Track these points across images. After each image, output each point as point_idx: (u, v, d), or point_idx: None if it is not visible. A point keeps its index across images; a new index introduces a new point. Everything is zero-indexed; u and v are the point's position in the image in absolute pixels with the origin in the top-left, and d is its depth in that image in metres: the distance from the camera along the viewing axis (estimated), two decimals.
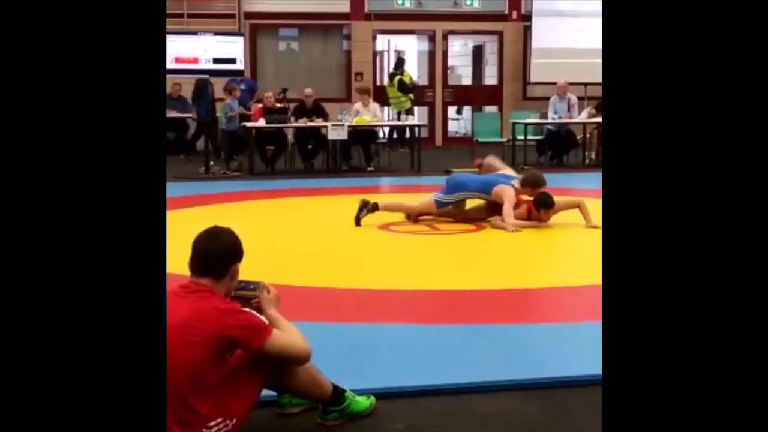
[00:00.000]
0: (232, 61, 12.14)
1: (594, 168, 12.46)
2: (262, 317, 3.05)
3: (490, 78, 18.17)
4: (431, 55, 17.52)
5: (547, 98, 13.64)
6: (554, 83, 13.60)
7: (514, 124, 13.33)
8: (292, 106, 13.34)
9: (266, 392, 3.17)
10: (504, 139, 13.85)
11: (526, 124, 13.08)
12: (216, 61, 12.05)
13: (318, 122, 12.47)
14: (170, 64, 11.66)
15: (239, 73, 12.78)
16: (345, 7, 16.65)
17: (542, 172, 8.35)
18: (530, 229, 7.53)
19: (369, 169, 12.72)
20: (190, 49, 11.83)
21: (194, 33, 12.35)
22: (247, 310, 3.03)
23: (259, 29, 16.66)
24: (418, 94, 16.39)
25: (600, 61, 9.22)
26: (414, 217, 8.03)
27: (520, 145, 13.04)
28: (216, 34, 12.57)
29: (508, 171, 8.31)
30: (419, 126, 13.59)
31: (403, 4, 16.83)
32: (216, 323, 2.87)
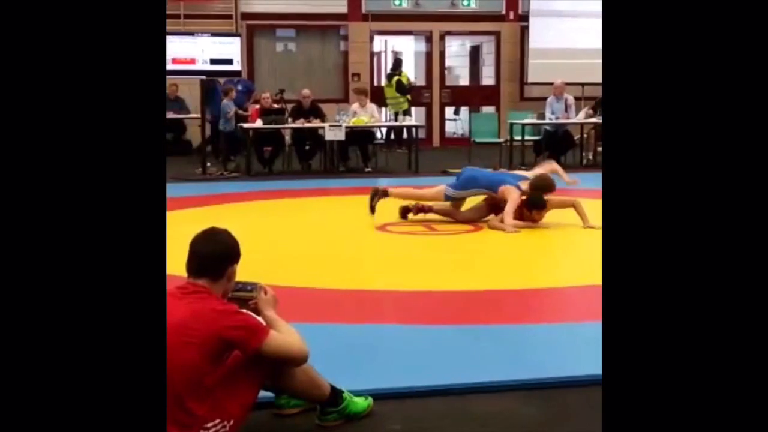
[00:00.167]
0: (229, 62, 12.11)
1: (591, 168, 12.47)
2: (260, 318, 3.04)
3: (488, 78, 18.18)
4: (428, 55, 17.53)
5: (545, 98, 13.64)
6: (551, 83, 13.60)
7: (511, 124, 13.33)
8: (289, 107, 13.34)
9: (264, 393, 3.16)
10: (501, 140, 13.86)
11: (523, 125, 13.08)
12: (213, 62, 12.02)
13: (315, 123, 12.47)
14: (167, 65, 11.65)
15: (236, 73, 12.76)
16: (342, 8, 16.65)
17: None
18: (528, 230, 7.53)
19: (366, 169, 12.72)
20: (187, 50, 11.80)
21: (191, 34, 12.32)
22: (245, 311, 3.02)
23: (256, 30, 16.66)
24: (416, 95, 16.40)
25: (597, 61, 9.27)
26: (416, 208, 8.04)
27: (517, 146, 13.03)
28: (213, 35, 12.54)
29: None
30: (417, 126, 13.59)
31: (400, 4, 16.83)
32: (213, 324, 2.86)
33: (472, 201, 8.17)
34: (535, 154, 13.49)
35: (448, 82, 17.92)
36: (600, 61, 9.47)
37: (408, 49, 18.54)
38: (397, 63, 16.10)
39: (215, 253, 3.01)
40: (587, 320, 4.57)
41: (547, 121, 13.17)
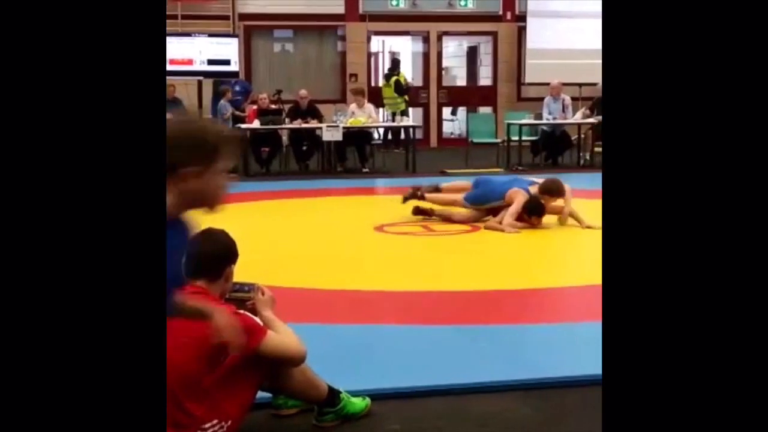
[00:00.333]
0: (227, 62, 12.14)
1: (588, 169, 12.49)
2: (257, 319, 3.04)
3: (485, 79, 18.20)
4: (426, 56, 17.55)
5: (542, 99, 13.66)
6: (548, 84, 13.62)
7: (508, 124, 13.34)
8: (286, 107, 13.35)
9: (261, 394, 3.16)
10: (499, 140, 13.87)
11: (520, 125, 13.09)
12: (210, 62, 12.06)
13: (313, 123, 12.48)
14: None
15: (234, 74, 12.78)
16: (339, 8, 16.66)
17: (538, 173, 8.35)
18: (526, 230, 7.53)
19: (364, 170, 12.73)
20: (185, 51, 11.84)
21: (188, 35, 12.34)
22: (242, 311, 3.02)
23: (253, 30, 16.66)
24: (413, 95, 16.41)
25: (594, 61, 9.29)
26: (416, 209, 8.18)
27: (514, 146, 13.05)
28: (210, 35, 12.57)
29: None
30: (414, 127, 13.60)
31: (397, 5, 16.85)
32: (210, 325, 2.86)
33: None
34: (533, 154, 13.50)
35: (445, 83, 17.94)
36: (597, 61, 9.58)
37: (405, 49, 18.56)
38: (395, 63, 16.13)
39: (212, 253, 3.01)
40: (585, 320, 4.57)
41: (544, 121, 13.18)
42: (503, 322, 4.76)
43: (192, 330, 2.82)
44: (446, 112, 18.22)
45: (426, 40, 17.42)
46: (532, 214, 7.60)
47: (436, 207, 8.18)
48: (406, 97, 15.58)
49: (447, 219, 8.04)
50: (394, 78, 15.28)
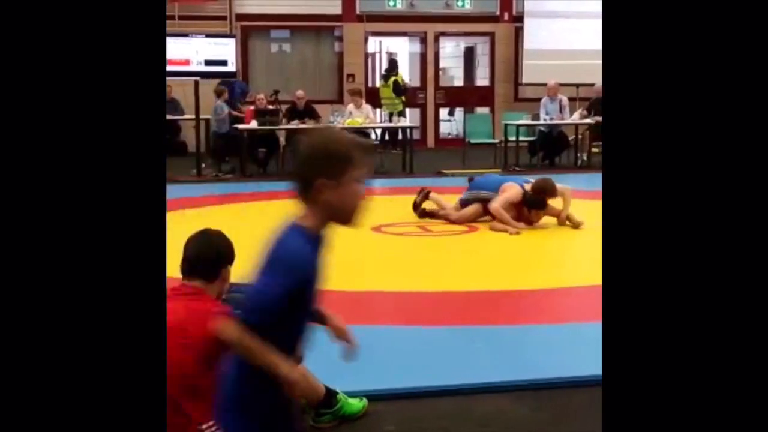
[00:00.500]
0: (224, 63, 12.11)
1: (586, 169, 12.49)
2: None
3: (482, 79, 18.20)
4: (423, 56, 17.55)
5: (539, 99, 13.66)
6: (546, 84, 13.62)
7: (506, 125, 13.34)
8: (283, 107, 13.34)
9: None
10: (496, 141, 13.87)
11: (517, 126, 13.09)
12: (207, 63, 12.02)
13: (310, 124, 12.48)
14: None
15: (231, 75, 12.75)
16: (336, 9, 16.65)
17: (535, 174, 8.37)
18: (524, 231, 7.53)
19: None
20: (182, 51, 11.79)
21: (186, 35, 12.31)
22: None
23: (250, 31, 16.66)
24: (410, 96, 16.41)
25: (591, 62, 9.28)
26: (420, 210, 8.28)
27: (512, 147, 13.05)
28: (207, 36, 12.54)
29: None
30: (411, 127, 13.60)
31: (394, 5, 16.85)
32: (208, 326, 2.85)
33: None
34: (530, 154, 13.50)
35: (442, 83, 17.94)
36: (594, 61, 9.59)
37: (402, 50, 18.55)
38: (394, 64, 16.10)
39: (209, 254, 3.01)
40: (585, 321, 4.58)
41: (541, 122, 13.19)
42: (501, 322, 4.76)
43: (189, 331, 2.82)
44: (443, 112, 18.22)
45: (423, 40, 17.42)
46: (532, 207, 7.60)
47: (438, 208, 8.23)
48: (403, 98, 15.58)
49: (445, 219, 8.06)
50: (392, 78, 15.26)
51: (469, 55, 18.85)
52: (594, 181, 10.95)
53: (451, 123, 18.56)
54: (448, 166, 12.97)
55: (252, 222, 8.22)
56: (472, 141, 14.04)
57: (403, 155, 12.93)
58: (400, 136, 14.63)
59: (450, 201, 8.35)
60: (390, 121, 14.41)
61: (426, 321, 4.77)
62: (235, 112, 13.18)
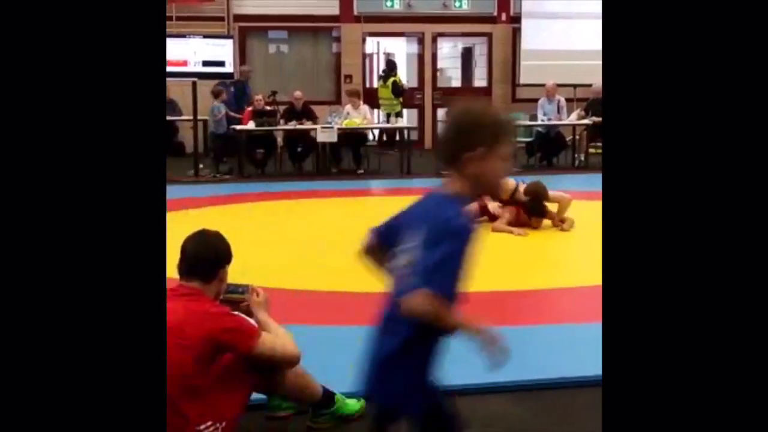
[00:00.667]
0: (221, 63, 12.11)
1: (583, 170, 12.50)
2: (252, 320, 3.04)
3: (480, 80, 18.20)
4: (420, 57, 17.55)
5: (537, 100, 13.67)
6: (543, 85, 13.63)
7: None
8: (281, 108, 13.34)
9: (256, 395, 3.16)
10: None
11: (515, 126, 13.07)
12: (205, 63, 12.02)
13: (307, 125, 12.48)
14: None
15: (228, 75, 12.75)
16: (334, 10, 16.66)
17: (532, 174, 8.37)
18: (521, 233, 7.55)
19: (359, 171, 12.73)
20: (179, 52, 11.79)
21: (183, 36, 12.30)
22: (237, 313, 3.02)
23: (248, 32, 16.66)
24: (408, 97, 16.40)
25: (589, 62, 9.27)
26: None
27: None
28: (205, 36, 12.54)
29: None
30: (409, 128, 13.60)
31: (392, 6, 16.85)
32: (206, 326, 2.86)
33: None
34: (527, 155, 13.51)
35: (440, 84, 17.94)
36: (592, 62, 9.58)
37: (400, 50, 18.55)
38: (392, 64, 16.08)
39: (207, 255, 3.01)
40: (586, 321, 4.58)
41: (539, 122, 13.20)
42: (500, 323, 4.76)
43: (187, 331, 2.82)
44: (441, 113, 18.21)
45: (421, 41, 17.42)
46: (533, 214, 7.63)
47: None
48: (401, 99, 15.58)
49: None
50: (391, 79, 15.23)
51: (467, 55, 18.85)
52: (592, 181, 10.96)
53: None
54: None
55: (250, 223, 8.24)
56: None
57: (400, 156, 12.93)
58: (397, 137, 14.62)
59: None
60: (387, 121, 14.41)
61: None
62: (232, 113, 13.17)
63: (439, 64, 18.04)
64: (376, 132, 14.22)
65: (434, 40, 17.42)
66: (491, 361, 2.29)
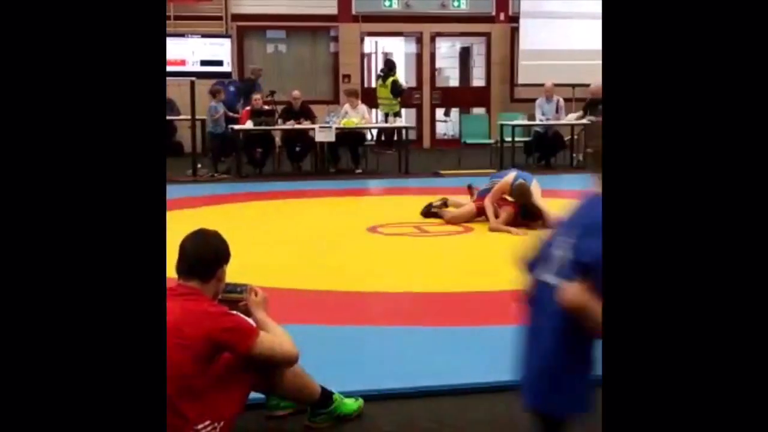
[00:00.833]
0: (220, 63, 12.11)
1: (581, 169, 12.50)
2: (250, 320, 3.04)
3: (478, 80, 18.21)
4: (419, 57, 17.55)
5: (535, 100, 13.68)
6: (542, 85, 13.63)
7: (501, 125, 13.35)
8: (279, 108, 13.34)
9: (255, 395, 3.17)
10: (492, 141, 13.88)
11: (513, 126, 13.10)
12: (203, 63, 12.02)
13: (306, 124, 12.48)
14: None
15: (227, 75, 12.75)
16: (332, 9, 16.65)
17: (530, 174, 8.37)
18: (520, 231, 7.55)
19: (357, 171, 12.73)
20: (178, 52, 11.78)
21: (181, 35, 12.29)
22: (235, 312, 3.02)
23: (246, 31, 16.65)
24: (406, 96, 16.40)
25: (588, 62, 9.26)
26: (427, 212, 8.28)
27: (507, 147, 13.06)
28: (203, 36, 12.53)
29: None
30: (407, 128, 13.60)
31: (390, 5, 16.84)
32: (204, 326, 2.86)
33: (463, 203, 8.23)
34: (526, 155, 13.52)
35: (438, 84, 17.94)
36: (590, 62, 9.56)
37: (398, 50, 18.55)
38: (391, 64, 16.05)
39: (205, 254, 3.01)
40: None
41: (537, 122, 13.20)
42: (497, 323, 4.77)
43: (185, 331, 2.82)
44: (439, 113, 18.22)
45: (419, 41, 17.42)
46: (525, 218, 7.64)
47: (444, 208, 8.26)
48: (399, 99, 15.56)
49: (440, 218, 8.08)
50: (390, 79, 15.20)
51: (465, 55, 18.86)
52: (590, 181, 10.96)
53: (446, 123, 18.56)
54: (444, 166, 12.98)
55: (248, 222, 8.24)
56: (468, 141, 14.05)
57: (398, 156, 12.93)
58: (395, 137, 14.62)
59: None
60: (386, 121, 14.41)
61: (422, 321, 4.78)
62: (231, 113, 13.17)
63: (438, 64, 18.05)
64: (375, 131, 14.21)
65: (432, 40, 17.42)
66: None
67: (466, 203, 8.29)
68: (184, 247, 3.01)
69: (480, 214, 7.95)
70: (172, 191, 10.15)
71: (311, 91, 15.67)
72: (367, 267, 6.41)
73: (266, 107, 13.05)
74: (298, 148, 12.94)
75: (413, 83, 17.42)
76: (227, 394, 2.96)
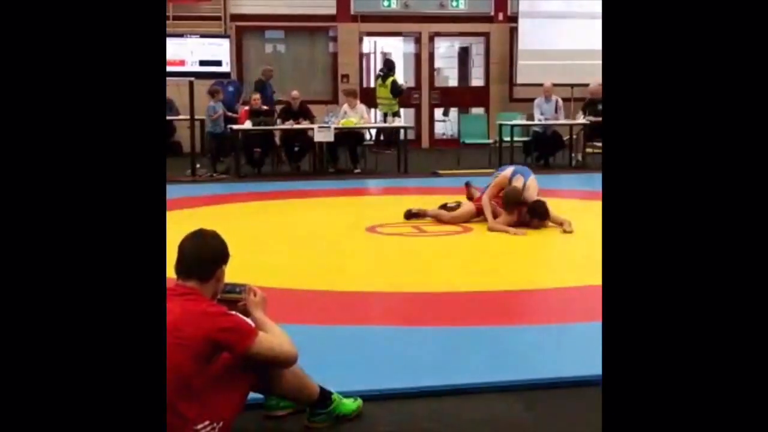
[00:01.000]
0: (218, 63, 12.11)
1: (580, 169, 12.51)
2: (249, 320, 3.04)
3: (477, 80, 18.21)
4: (417, 56, 17.54)
5: (534, 100, 13.67)
6: (541, 85, 13.63)
7: (500, 125, 13.35)
8: (278, 108, 13.33)
9: (254, 395, 3.16)
10: (491, 141, 13.87)
11: (512, 126, 13.10)
12: (202, 63, 12.01)
13: (304, 124, 12.47)
14: None
15: (225, 75, 12.75)
16: (331, 9, 16.65)
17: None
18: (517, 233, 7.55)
19: (356, 171, 12.72)
20: (176, 52, 11.77)
21: (180, 35, 12.29)
22: (234, 312, 3.02)
23: (245, 31, 16.64)
24: (405, 96, 16.40)
25: (587, 62, 9.29)
26: (409, 213, 8.18)
27: (506, 147, 13.05)
28: (202, 36, 12.53)
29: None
30: (406, 128, 13.59)
31: (389, 5, 16.84)
32: (203, 326, 2.86)
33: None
34: (525, 155, 13.52)
35: (437, 84, 17.94)
36: (589, 62, 9.59)
37: (397, 50, 18.54)
38: (391, 64, 16.04)
39: (204, 254, 3.01)
40: (577, 321, 4.59)
41: (536, 122, 13.20)
42: (495, 323, 4.77)
43: (184, 331, 2.82)
44: (438, 113, 18.22)
45: (418, 40, 17.42)
46: (534, 217, 7.62)
47: (429, 208, 8.21)
48: (397, 99, 15.56)
49: (437, 219, 8.06)
50: (390, 79, 15.19)
51: (464, 55, 18.85)
52: (588, 181, 10.98)
53: (445, 123, 18.56)
54: (442, 166, 12.98)
55: (247, 222, 8.24)
56: (467, 141, 14.04)
57: (397, 156, 12.93)
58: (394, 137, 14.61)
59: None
60: (384, 121, 14.40)
61: (421, 321, 4.78)
62: (230, 113, 13.16)
63: (437, 64, 18.04)
64: (373, 131, 14.21)
65: (431, 40, 17.41)
66: None
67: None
68: (183, 248, 3.01)
69: (479, 213, 7.94)
70: (171, 191, 10.12)
71: (310, 91, 15.67)
72: (365, 267, 6.41)
73: (265, 107, 13.05)
74: (296, 148, 12.94)
75: (412, 83, 17.41)
76: (226, 394, 2.95)
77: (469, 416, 3.40)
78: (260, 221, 8.52)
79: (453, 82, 18.95)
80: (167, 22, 14.84)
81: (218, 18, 16.12)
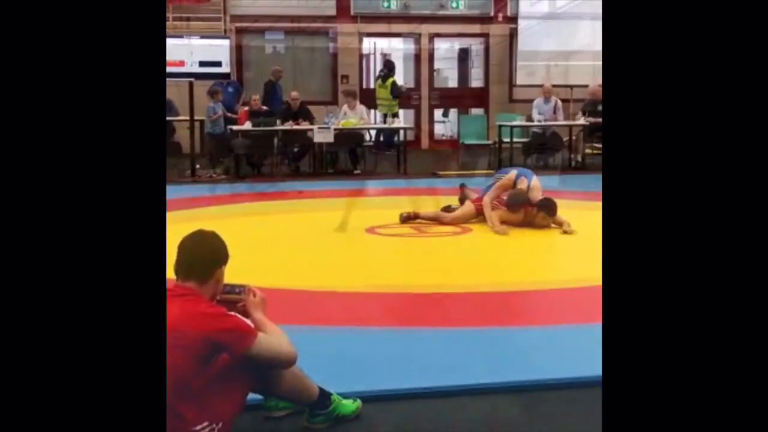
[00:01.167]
0: (218, 64, 12.11)
1: (580, 170, 12.51)
2: (248, 321, 3.04)
3: (476, 80, 18.20)
4: (417, 57, 17.54)
5: (533, 100, 13.67)
6: (540, 86, 13.64)
7: (500, 126, 13.35)
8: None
9: (253, 396, 3.16)
10: (490, 142, 13.88)
11: (512, 127, 13.10)
12: (202, 64, 12.02)
13: (304, 125, 12.47)
14: None
15: (225, 76, 12.75)
16: (331, 10, 16.64)
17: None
18: (516, 231, 7.55)
19: (355, 171, 12.72)
20: (176, 52, 11.77)
21: (180, 36, 12.29)
22: (233, 313, 3.02)
23: (244, 32, 16.64)
24: (405, 97, 16.39)
25: (585, 63, 9.30)
26: (404, 216, 8.12)
27: (506, 148, 13.06)
28: (202, 36, 12.54)
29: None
30: (406, 129, 13.59)
31: (388, 6, 16.83)
32: (202, 327, 2.86)
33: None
34: (524, 155, 13.52)
35: (436, 84, 17.93)
36: (588, 63, 9.60)
37: (397, 51, 18.54)
38: (391, 65, 16.02)
39: (203, 255, 3.01)
40: (577, 322, 4.59)
41: (535, 123, 13.20)
42: (494, 324, 4.77)
43: (183, 332, 2.81)
44: (438, 113, 18.22)
45: (417, 41, 17.41)
46: (541, 210, 7.63)
47: (421, 210, 8.19)
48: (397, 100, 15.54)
49: (436, 221, 8.05)
50: (390, 80, 15.16)
51: (464, 56, 18.85)
52: (588, 182, 10.97)
53: (445, 124, 18.55)
54: (442, 167, 12.99)
55: (246, 223, 8.24)
56: (467, 142, 14.04)
57: (397, 156, 12.93)
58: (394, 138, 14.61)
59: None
60: (384, 122, 14.40)
61: (420, 322, 4.78)
62: (229, 114, 13.16)
63: (436, 65, 18.03)
64: (373, 132, 14.20)
65: (431, 41, 17.40)
66: None
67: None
68: (182, 248, 3.01)
69: (479, 214, 7.94)
70: (171, 191, 10.10)
71: (310, 91, 15.66)
72: (365, 267, 6.41)
73: (265, 108, 13.05)
74: (296, 149, 12.94)
75: (412, 84, 17.41)
76: (225, 395, 2.95)
77: (469, 417, 3.40)
78: (260, 222, 8.52)
79: (452, 82, 18.93)
80: (167, 22, 14.85)
81: (218, 18, 16.12)
